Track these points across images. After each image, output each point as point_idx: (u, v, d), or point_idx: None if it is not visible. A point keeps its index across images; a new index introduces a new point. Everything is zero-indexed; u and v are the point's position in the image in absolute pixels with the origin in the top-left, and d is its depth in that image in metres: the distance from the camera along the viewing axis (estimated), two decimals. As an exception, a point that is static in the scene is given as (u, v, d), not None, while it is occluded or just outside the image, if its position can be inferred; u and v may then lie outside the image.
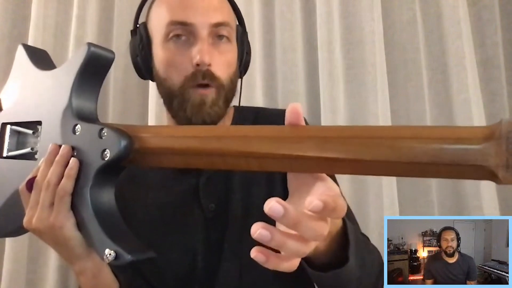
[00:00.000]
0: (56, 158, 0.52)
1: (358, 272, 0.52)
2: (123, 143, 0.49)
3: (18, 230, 0.59)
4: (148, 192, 0.72)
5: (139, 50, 0.70)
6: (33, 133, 0.61)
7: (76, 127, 0.54)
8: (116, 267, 0.63)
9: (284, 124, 0.72)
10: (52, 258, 1.18)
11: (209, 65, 0.65)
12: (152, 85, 1.17)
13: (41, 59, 0.67)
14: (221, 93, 0.68)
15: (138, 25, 0.73)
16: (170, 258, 0.67)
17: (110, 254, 0.47)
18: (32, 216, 0.52)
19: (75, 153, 0.53)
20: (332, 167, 0.41)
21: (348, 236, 0.50)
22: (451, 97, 1.09)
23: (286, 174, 0.71)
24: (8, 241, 1.18)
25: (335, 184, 0.42)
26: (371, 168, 0.39)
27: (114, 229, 0.50)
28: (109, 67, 0.58)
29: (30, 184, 0.54)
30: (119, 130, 0.50)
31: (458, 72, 1.08)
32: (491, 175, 0.34)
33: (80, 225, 0.52)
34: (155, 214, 0.70)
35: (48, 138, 0.57)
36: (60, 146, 0.53)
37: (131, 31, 0.74)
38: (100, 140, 0.51)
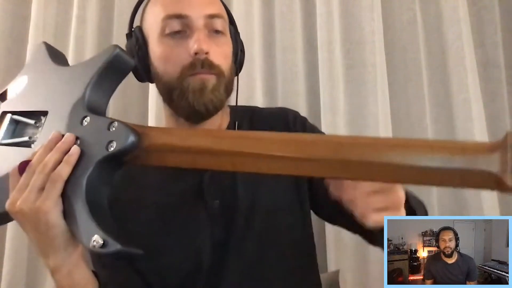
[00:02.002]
0: (58, 144, 0.52)
1: None
2: (131, 136, 0.50)
3: None
4: (149, 192, 0.72)
5: (135, 51, 0.70)
6: (35, 123, 0.62)
7: (85, 119, 0.54)
8: (112, 267, 0.62)
9: (281, 125, 0.73)
10: (52, 258, 1.18)
11: (207, 53, 0.65)
12: (152, 85, 1.16)
13: (60, 58, 0.69)
14: (222, 80, 0.68)
15: (133, 28, 0.73)
16: (175, 257, 0.67)
17: (97, 242, 0.46)
18: (17, 198, 0.51)
19: (78, 143, 0.53)
20: (344, 170, 0.41)
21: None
22: (451, 97, 1.09)
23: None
24: (8, 241, 1.18)
25: None
26: (381, 171, 0.39)
27: (105, 223, 0.49)
28: (128, 73, 0.60)
29: (23, 167, 0.53)
30: (129, 125, 0.51)
31: (458, 72, 1.08)
32: (498, 182, 0.35)
33: (67, 214, 0.51)
34: (158, 214, 0.70)
35: (52, 128, 0.57)
36: (63, 135, 0.53)
37: (126, 35, 0.74)
38: (108, 132, 0.51)
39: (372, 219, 0.48)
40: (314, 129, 0.80)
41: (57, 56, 0.69)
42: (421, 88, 1.13)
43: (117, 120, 0.52)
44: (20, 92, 0.66)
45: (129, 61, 0.59)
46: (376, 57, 1.09)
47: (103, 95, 0.58)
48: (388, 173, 0.39)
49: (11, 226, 1.18)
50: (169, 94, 0.69)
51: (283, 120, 0.78)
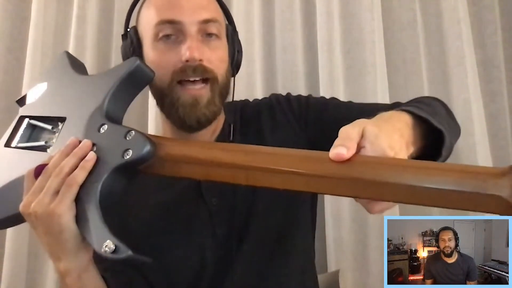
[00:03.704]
0: (75, 150, 0.53)
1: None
2: (147, 145, 0.51)
3: (2, 222, 0.60)
4: (150, 193, 0.72)
5: (130, 53, 0.70)
6: (52, 128, 0.63)
7: (102, 126, 0.55)
8: (114, 270, 0.62)
9: (267, 111, 0.75)
10: (52, 258, 1.18)
11: (200, 60, 0.65)
12: (152, 85, 1.17)
13: (80, 67, 0.71)
14: (216, 88, 0.67)
15: (128, 29, 0.73)
16: (178, 255, 0.67)
17: (109, 247, 0.46)
18: (31, 201, 0.52)
19: (94, 149, 0.54)
20: (357, 189, 0.41)
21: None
22: (451, 97, 1.09)
23: None
24: (8, 240, 1.18)
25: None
26: (394, 192, 0.40)
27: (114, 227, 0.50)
28: (147, 84, 0.62)
29: (39, 170, 0.54)
30: (145, 135, 0.52)
31: (458, 72, 1.08)
32: (507, 206, 0.36)
33: (80, 219, 0.52)
34: (160, 213, 0.70)
35: (69, 134, 0.58)
36: (80, 141, 0.54)
37: (122, 36, 0.74)
38: (125, 141, 0.52)
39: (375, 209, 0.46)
40: (299, 98, 0.80)
41: (77, 65, 0.71)
42: (421, 88, 1.13)
43: (134, 129, 0.53)
44: (39, 98, 0.68)
45: (149, 72, 0.60)
46: (376, 57, 1.09)
47: (121, 105, 0.59)
48: (401, 194, 0.40)
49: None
50: (161, 100, 0.69)
51: (268, 106, 0.78)
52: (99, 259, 0.57)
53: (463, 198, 0.37)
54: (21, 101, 0.71)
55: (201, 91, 0.66)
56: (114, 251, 0.46)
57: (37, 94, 0.69)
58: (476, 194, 0.37)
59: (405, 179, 0.39)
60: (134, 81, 0.59)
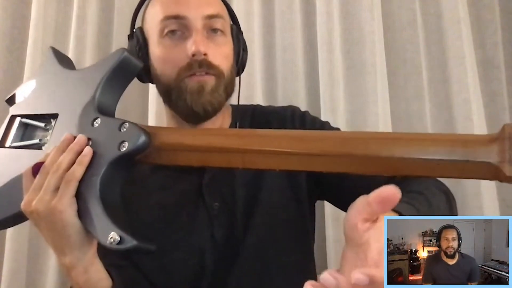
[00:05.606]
0: (71, 145, 0.53)
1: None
2: (142, 136, 0.51)
3: (3, 222, 0.60)
4: (150, 194, 0.72)
5: (136, 52, 0.71)
6: (45, 125, 0.63)
7: (96, 120, 0.56)
8: (116, 267, 0.63)
9: (277, 122, 0.74)
10: (52, 258, 1.18)
11: (205, 54, 0.65)
12: (152, 85, 1.16)
13: (67, 62, 0.71)
14: (221, 81, 0.68)
15: (134, 30, 0.74)
16: (178, 256, 0.67)
17: (114, 239, 0.47)
18: (32, 199, 0.53)
19: (90, 143, 0.54)
20: (350, 165, 0.42)
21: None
22: (451, 97, 1.09)
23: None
24: (8, 241, 1.18)
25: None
26: (386, 164, 0.41)
27: (118, 219, 0.50)
28: (135, 75, 0.62)
29: (36, 169, 0.54)
30: (139, 126, 0.53)
31: (458, 72, 1.08)
32: (496, 172, 0.37)
33: (82, 213, 0.52)
34: (159, 215, 0.70)
35: (63, 130, 0.58)
36: (75, 137, 0.55)
37: (128, 36, 0.75)
38: (119, 133, 0.53)
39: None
40: (315, 120, 0.79)
41: (64, 60, 0.70)
42: (421, 88, 1.13)
43: (128, 121, 0.53)
44: (28, 96, 0.68)
45: (137, 63, 0.61)
46: (376, 57, 1.09)
47: (113, 97, 0.59)
48: (393, 166, 0.41)
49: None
50: (168, 95, 0.69)
51: (280, 116, 0.78)
52: (102, 254, 0.58)
53: (455, 167, 0.39)
54: (10, 100, 0.71)
55: (206, 78, 0.66)
56: (120, 242, 0.47)
57: (26, 92, 0.69)
58: (467, 162, 0.38)
59: (396, 152, 0.40)
60: (122, 72, 0.60)
